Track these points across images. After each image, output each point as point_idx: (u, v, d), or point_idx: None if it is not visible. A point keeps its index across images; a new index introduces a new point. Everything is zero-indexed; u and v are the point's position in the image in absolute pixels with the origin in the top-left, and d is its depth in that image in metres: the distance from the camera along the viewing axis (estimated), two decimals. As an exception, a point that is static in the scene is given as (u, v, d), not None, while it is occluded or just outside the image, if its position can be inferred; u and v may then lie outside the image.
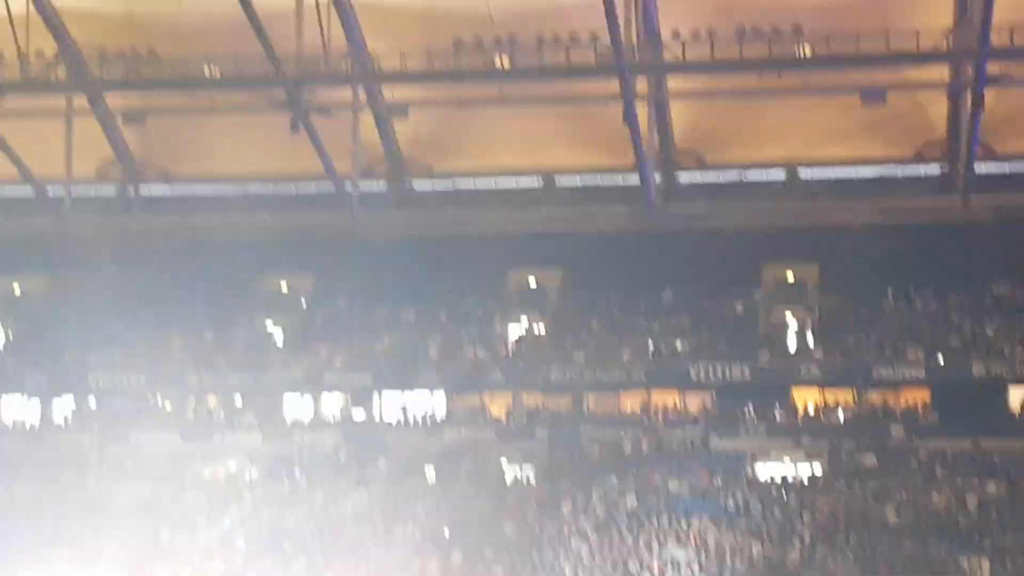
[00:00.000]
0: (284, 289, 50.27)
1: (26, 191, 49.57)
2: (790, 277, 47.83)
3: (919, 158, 45.92)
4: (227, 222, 48.57)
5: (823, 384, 45.13)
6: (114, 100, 47.46)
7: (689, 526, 41.47)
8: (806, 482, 43.15)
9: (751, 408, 44.75)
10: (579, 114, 46.48)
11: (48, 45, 45.90)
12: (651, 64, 44.14)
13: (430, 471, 44.84)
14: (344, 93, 46.63)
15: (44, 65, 45.88)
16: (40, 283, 51.04)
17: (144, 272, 48.73)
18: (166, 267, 48.75)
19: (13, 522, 43.78)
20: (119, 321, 48.15)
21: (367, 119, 47.33)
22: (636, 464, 44.20)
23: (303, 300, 50.12)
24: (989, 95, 42.17)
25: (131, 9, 45.84)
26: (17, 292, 51.27)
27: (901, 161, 45.97)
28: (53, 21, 45.62)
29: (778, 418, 44.78)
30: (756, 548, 40.68)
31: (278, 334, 48.99)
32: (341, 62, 45.34)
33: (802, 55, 42.79)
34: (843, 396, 45.01)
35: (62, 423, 47.90)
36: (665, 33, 44.06)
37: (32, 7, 45.19)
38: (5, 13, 44.58)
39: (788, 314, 46.67)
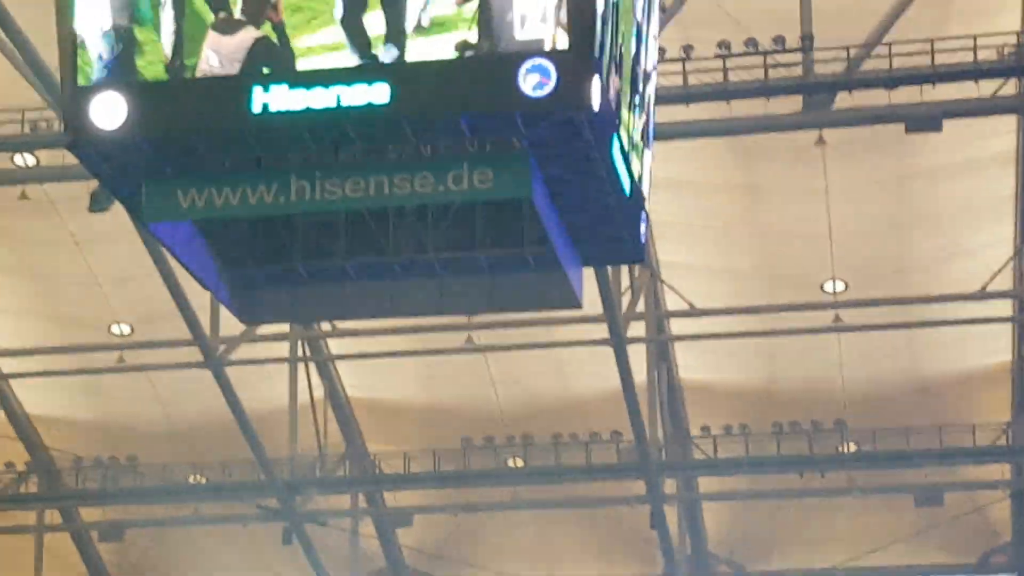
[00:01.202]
0: None
1: (-12, 616, 45.10)
2: None
3: (983, 566, 41.76)
4: (211, 646, 44.12)
5: None
6: (90, 513, 43.72)
7: None
8: None
9: None
10: (601, 518, 42.55)
11: (19, 455, 42.35)
12: (680, 463, 40.55)
13: None
14: (342, 499, 43.07)
15: (14, 478, 42.17)
16: None
17: None
18: None
19: None
20: None
21: (367, 527, 43.54)
22: None
23: None
24: (1058, 494, 38.32)
25: (111, 416, 42.37)
26: None
27: (963, 570, 41.71)
28: (26, 430, 42.20)
29: None
30: None
31: None
32: (338, 465, 41.87)
33: (846, 452, 39.36)
34: None
35: None
36: (694, 429, 40.64)
37: (3, 415, 41.93)
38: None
39: None
